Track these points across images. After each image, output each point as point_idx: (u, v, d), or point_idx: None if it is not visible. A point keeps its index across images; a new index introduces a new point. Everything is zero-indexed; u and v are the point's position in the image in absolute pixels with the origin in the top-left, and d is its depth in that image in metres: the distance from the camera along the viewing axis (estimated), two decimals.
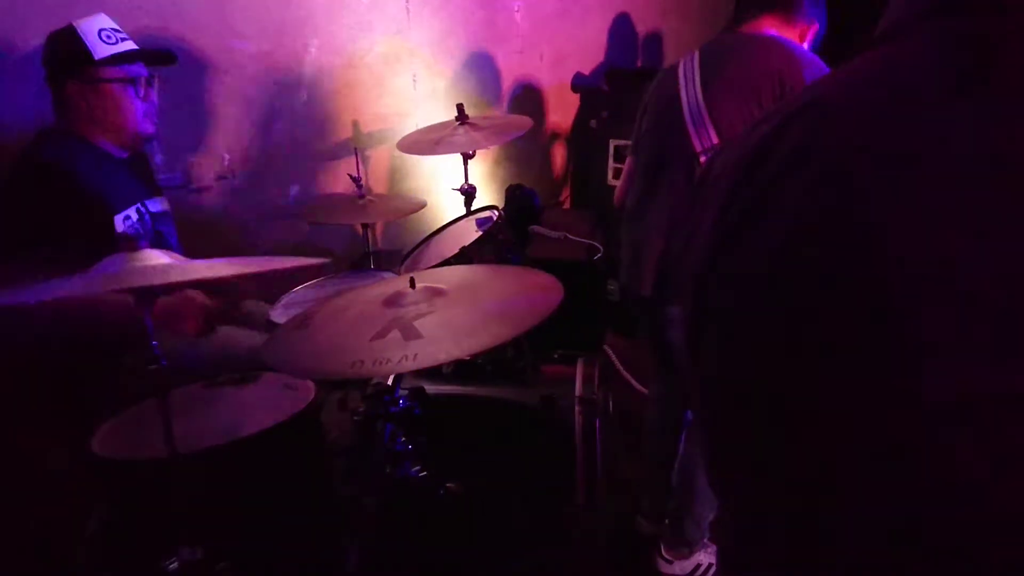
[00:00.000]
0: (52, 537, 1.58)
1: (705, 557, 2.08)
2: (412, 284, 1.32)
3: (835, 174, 0.41)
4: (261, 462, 1.39)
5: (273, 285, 2.02)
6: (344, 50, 2.71)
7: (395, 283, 1.42)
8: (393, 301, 1.31)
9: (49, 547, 1.58)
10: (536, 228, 3.08)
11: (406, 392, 1.66)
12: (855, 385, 0.38)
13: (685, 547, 2.04)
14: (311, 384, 1.52)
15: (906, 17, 0.45)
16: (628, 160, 1.99)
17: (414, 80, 3.01)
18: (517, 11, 3.43)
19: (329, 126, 2.76)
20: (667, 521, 2.07)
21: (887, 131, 0.40)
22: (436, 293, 1.33)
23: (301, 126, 2.66)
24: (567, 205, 4.05)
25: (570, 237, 2.97)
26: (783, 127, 0.46)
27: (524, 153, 3.69)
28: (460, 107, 2.48)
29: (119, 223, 1.65)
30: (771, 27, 1.69)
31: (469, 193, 2.60)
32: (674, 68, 1.77)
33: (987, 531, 0.34)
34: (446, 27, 3.10)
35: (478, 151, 2.61)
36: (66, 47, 1.62)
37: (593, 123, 3.66)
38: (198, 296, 1.58)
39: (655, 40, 4.28)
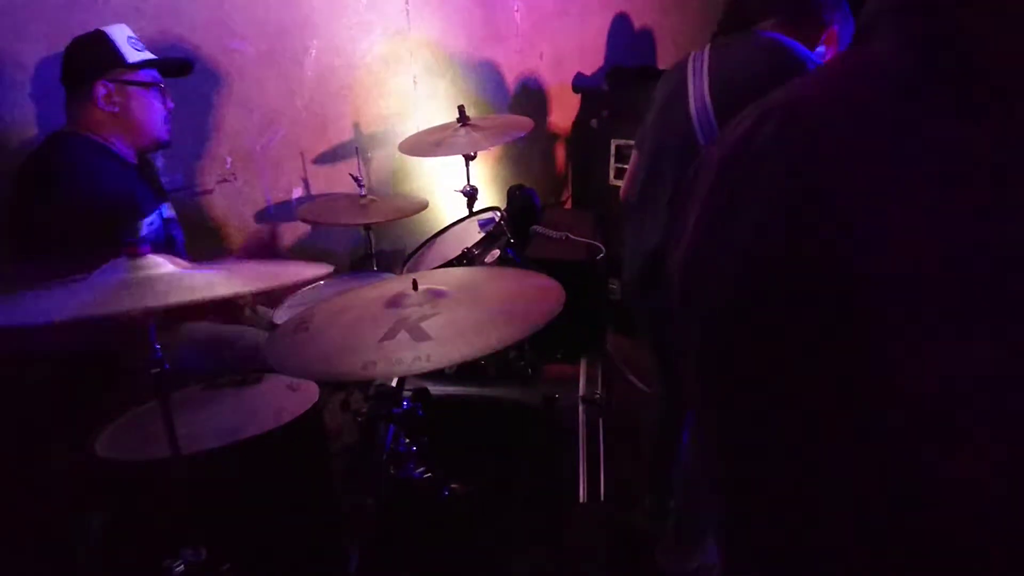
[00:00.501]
0: (56, 539, 1.58)
1: (707, 557, 2.07)
2: (415, 286, 1.31)
3: (799, 171, 0.42)
4: (264, 463, 1.39)
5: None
6: (344, 51, 2.71)
7: (395, 284, 1.42)
8: (395, 302, 1.31)
9: (53, 549, 1.58)
10: (537, 228, 3.07)
11: (409, 393, 1.66)
12: (822, 371, 0.39)
13: (687, 547, 2.03)
14: (314, 385, 1.52)
15: (876, 15, 0.46)
16: (634, 155, 1.96)
17: (414, 81, 3.01)
18: (517, 11, 3.43)
19: (330, 127, 2.76)
20: (669, 521, 2.07)
21: (848, 129, 0.41)
22: (438, 295, 1.33)
23: (302, 127, 2.66)
24: (568, 205, 4.05)
25: (572, 237, 2.97)
26: (756, 125, 0.47)
27: (525, 153, 3.69)
28: (461, 108, 2.48)
29: (144, 227, 1.66)
30: (778, 29, 1.65)
31: (471, 194, 2.60)
32: (683, 65, 1.74)
33: (957, 522, 0.34)
34: (446, 27, 3.10)
35: (479, 152, 2.61)
36: (98, 49, 1.67)
37: (594, 123, 3.66)
38: None
39: (655, 39, 4.28)
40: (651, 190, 1.78)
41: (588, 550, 1.79)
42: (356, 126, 2.84)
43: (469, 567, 1.67)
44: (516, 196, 3.38)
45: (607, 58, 4.01)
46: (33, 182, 1.60)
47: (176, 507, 1.20)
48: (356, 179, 2.37)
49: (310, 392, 1.52)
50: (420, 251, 2.22)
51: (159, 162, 2.23)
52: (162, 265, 1.05)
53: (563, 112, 3.85)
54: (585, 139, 3.78)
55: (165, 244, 1.76)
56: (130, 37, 1.72)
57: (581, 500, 1.73)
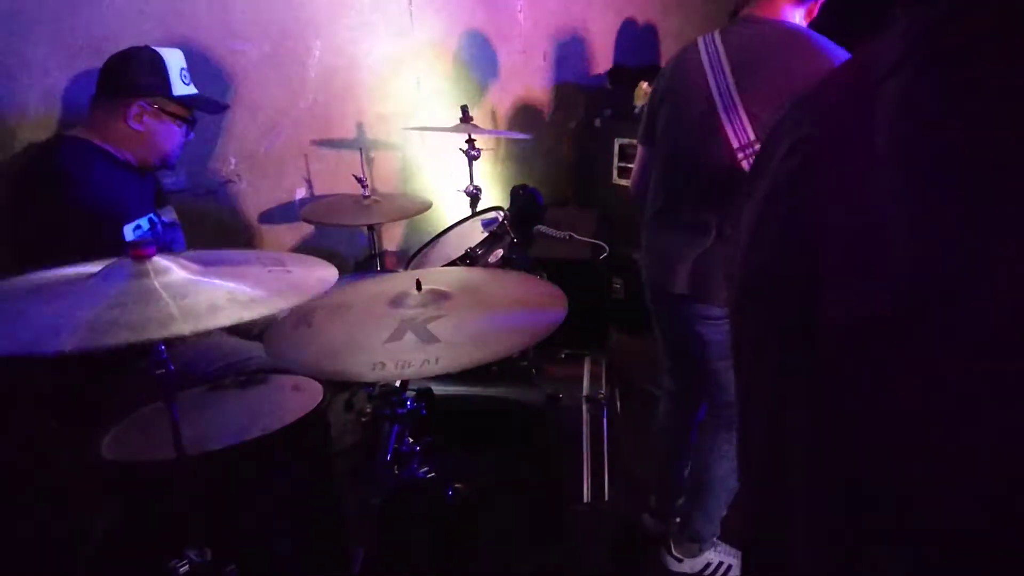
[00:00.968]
0: (62, 539, 1.59)
1: (715, 556, 2.07)
2: (419, 286, 1.32)
3: (794, 153, 0.50)
4: (268, 464, 1.39)
5: None
6: (347, 52, 2.71)
7: (397, 282, 1.42)
8: (398, 302, 1.31)
9: (59, 549, 1.59)
10: (541, 228, 3.08)
11: (413, 393, 1.67)
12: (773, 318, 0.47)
13: (695, 544, 2.03)
14: (318, 386, 1.53)
15: (894, 8, 0.48)
16: (641, 150, 1.91)
17: (418, 81, 3.02)
18: (519, 11, 3.43)
19: (334, 128, 2.77)
20: (677, 519, 2.06)
21: (830, 117, 0.49)
22: (441, 296, 1.33)
23: (305, 128, 2.66)
24: (572, 204, 4.05)
25: (575, 237, 2.97)
26: (786, 159, 0.53)
27: (528, 153, 3.69)
28: (464, 108, 2.48)
29: (129, 233, 1.66)
30: (785, 5, 1.65)
31: (474, 194, 2.60)
32: (695, 56, 1.68)
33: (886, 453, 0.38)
34: (449, 28, 3.10)
35: (483, 151, 2.62)
36: (149, 71, 1.71)
37: (597, 122, 3.66)
38: None
39: (657, 38, 4.28)
40: (681, 193, 1.74)
41: (592, 550, 1.79)
42: (359, 127, 2.84)
43: (473, 567, 1.68)
44: (519, 196, 3.38)
45: (610, 57, 4.01)
46: (20, 187, 1.62)
47: (181, 508, 1.20)
48: (359, 180, 2.37)
49: (314, 393, 1.52)
50: (423, 251, 2.22)
51: None
52: (169, 272, 1.04)
53: (566, 112, 3.84)
54: (588, 138, 3.78)
55: (161, 249, 1.76)
56: (183, 69, 1.77)
57: (585, 500, 1.74)
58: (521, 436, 1.79)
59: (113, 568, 1.45)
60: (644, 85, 2.30)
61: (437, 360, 1.11)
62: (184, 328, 0.93)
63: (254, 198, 2.55)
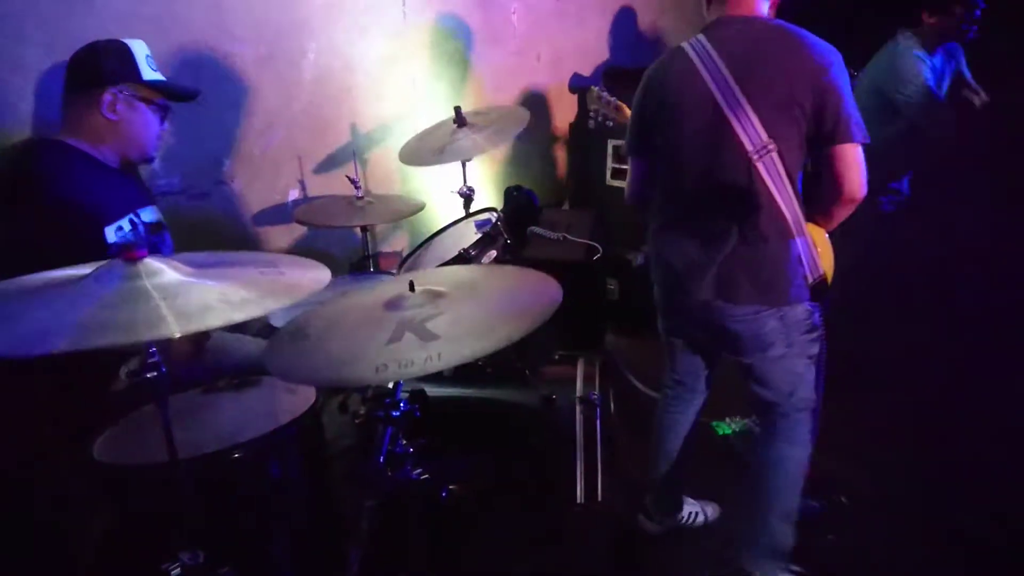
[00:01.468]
0: (55, 543, 1.58)
1: (687, 507, 2.14)
2: (412, 287, 1.32)
3: None
4: (262, 466, 1.39)
5: None
6: (342, 53, 2.71)
7: (391, 287, 1.42)
8: (394, 305, 1.31)
9: (52, 553, 1.58)
10: (535, 229, 3.08)
11: (407, 395, 1.67)
12: None
13: (667, 512, 2.10)
14: (311, 388, 1.52)
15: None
16: (634, 162, 1.89)
17: (412, 83, 3.02)
18: (514, 12, 3.44)
19: (328, 129, 2.77)
20: (650, 490, 2.12)
21: None
22: (436, 295, 1.34)
23: (300, 129, 2.66)
24: (566, 205, 4.05)
25: (569, 238, 2.97)
26: None
27: (522, 154, 3.69)
28: (457, 110, 2.48)
29: (111, 234, 1.65)
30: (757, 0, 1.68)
31: (468, 195, 2.60)
32: (684, 63, 1.65)
33: None
34: (443, 29, 3.10)
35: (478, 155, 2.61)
36: (116, 59, 1.69)
37: (591, 123, 3.66)
38: None
39: (652, 39, 4.29)
40: (699, 201, 1.71)
41: (587, 550, 1.80)
42: (354, 128, 2.84)
43: (468, 568, 1.68)
44: (514, 197, 3.39)
45: (604, 58, 4.02)
46: (8, 192, 1.60)
47: (175, 510, 1.20)
48: (353, 181, 2.37)
49: (307, 394, 1.52)
50: (417, 252, 2.22)
51: (155, 165, 2.23)
52: (160, 273, 1.04)
53: (561, 113, 3.85)
54: (582, 140, 3.79)
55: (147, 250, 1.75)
56: (148, 56, 1.75)
57: (579, 500, 1.74)
58: (515, 437, 1.79)
59: (106, 572, 1.44)
60: (595, 89, 2.35)
61: (439, 356, 1.11)
62: (174, 329, 0.93)
63: (248, 200, 2.55)
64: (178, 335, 0.93)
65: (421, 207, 2.47)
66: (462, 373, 1.87)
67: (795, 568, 1.86)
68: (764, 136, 1.55)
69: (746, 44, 1.61)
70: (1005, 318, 2.74)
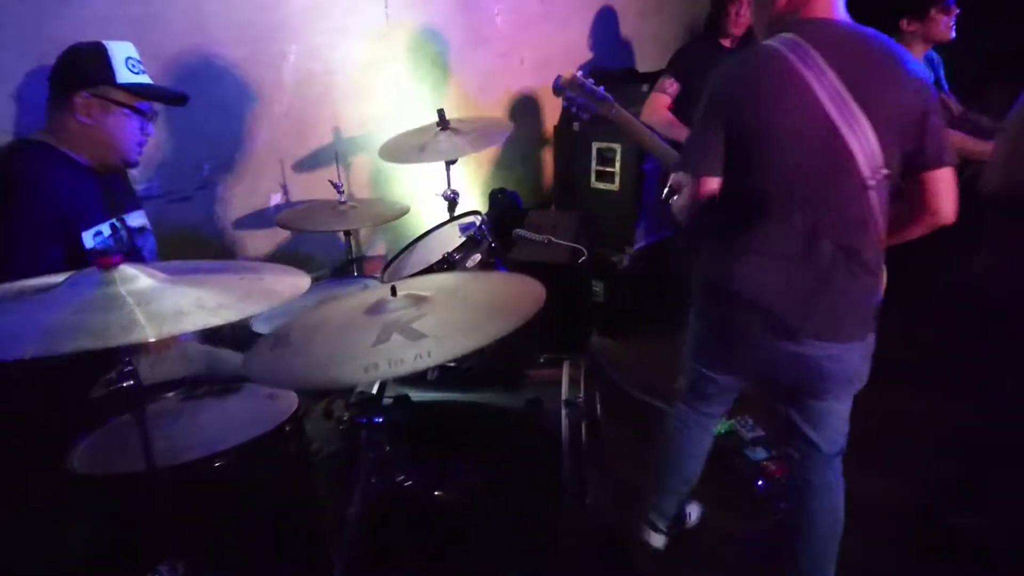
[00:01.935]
0: (32, 555, 1.55)
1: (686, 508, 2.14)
2: (393, 292, 1.31)
3: None
4: (244, 474, 1.37)
5: None
6: (323, 56, 2.69)
7: (372, 293, 1.41)
8: (377, 309, 1.30)
9: (29, 565, 1.55)
10: (520, 232, 3.07)
11: (391, 400, 1.65)
12: None
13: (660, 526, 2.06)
14: (293, 394, 1.51)
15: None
16: (703, 181, 1.53)
17: (395, 86, 3.00)
18: (498, 14, 3.43)
19: (310, 132, 2.75)
20: (673, 506, 2.07)
21: None
22: (420, 299, 1.33)
23: (281, 133, 2.64)
24: (551, 208, 4.05)
25: (554, 240, 2.97)
26: None
27: (507, 156, 3.68)
28: (441, 113, 2.47)
29: (88, 239, 1.62)
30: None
31: (452, 198, 2.59)
32: (784, 66, 1.40)
33: None
34: (427, 32, 3.09)
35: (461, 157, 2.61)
36: (91, 61, 1.65)
37: (576, 125, 3.67)
38: None
39: (635, 43, 4.30)
40: (784, 212, 1.50)
41: (575, 552, 1.79)
42: (336, 131, 2.82)
43: (456, 573, 1.67)
44: (498, 199, 3.38)
45: (589, 61, 4.02)
46: None
47: (154, 520, 1.18)
48: (336, 185, 2.35)
49: (289, 401, 1.51)
50: (400, 256, 2.21)
51: (135, 169, 2.20)
52: (136, 280, 1.03)
53: (546, 115, 3.85)
54: (567, 142, 3.79)
55: (128, 255, 1.73)
56: (130, 58, 1.71)
57: (566, 503, 1.73)
58: (501, 441, 1.78)
59: None
60: (575, 74, 2.08)
61: (429, 353, 1.11)
62: (148, 333, 0.92)
63: (229, 204, 2.52)
64: (152, 339, 0.92)
65: (405, 211, 2.45)
66: (447, 377, 1.86)
67: None
68: (880, 159, 1.41)
69: (852, 52, 1.42)
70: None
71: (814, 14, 1.46)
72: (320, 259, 2.81)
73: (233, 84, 2.44)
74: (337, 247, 2.77)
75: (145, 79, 1.74)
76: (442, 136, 2.45)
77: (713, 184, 1.52)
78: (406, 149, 2.45)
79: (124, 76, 1.68)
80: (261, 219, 2.61)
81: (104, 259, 1.03)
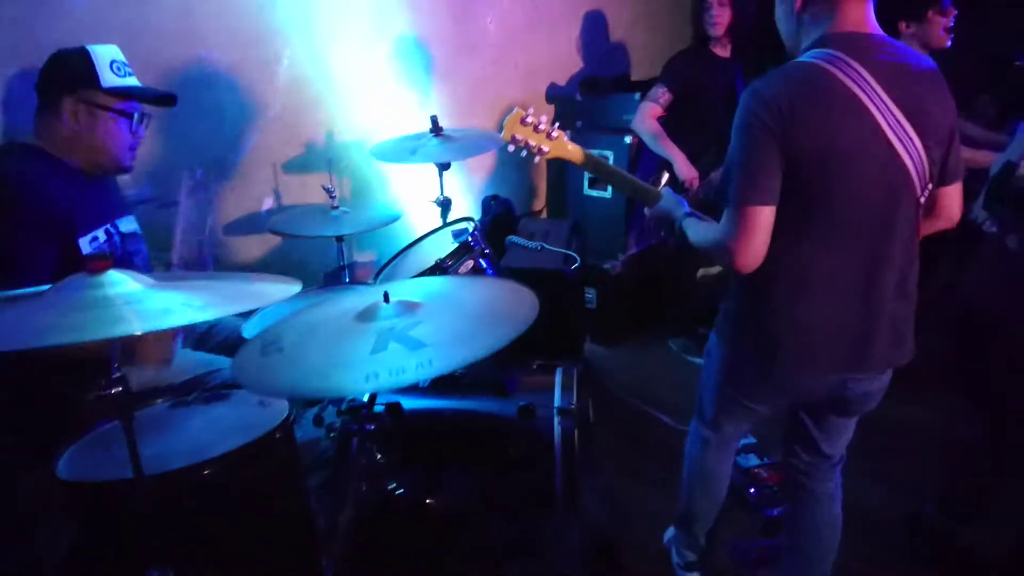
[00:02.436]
0: (18, 563, 1.53)
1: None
2: (386, 298, 1.30)
3: None
4: (234, 481, 1.36)
5: None
6: (316, 61, 2.69)
7: (360, 298, 1.40)
8: (368, 316, 1.29)
9: (15, 573, 1.53)
10: (513, 238, 3.07)
11: (382, 407, 1.64)
12: None
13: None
14: (284, 401, 1.50)
15: None
16: (760, 211, 1.36)
17: (389, 91, 3.00)
18: (490, 22, 3.44)
19: (302, 137, 2.74)
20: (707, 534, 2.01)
21: None
22: (411, 306, 1.32)
23: (274, 138, 2.63)
24: (544, 215, 4.06)
25: (547, 247, 2.97)
26: None
27: (500, 164, 3.69)
28: (434, 119, 2.47)
29: (85, 245, 1.61)
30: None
31: (445, 204, 2.59)
32: (833, 85, 1.32)
33: None
34: (419, 38, 3.10)
35: (453, 162, 2.61)
36: (74, 66, 1.64)
37: (568, 133, 3.68)
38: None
39: (627, 50, 4.32)
40: (862, 256, 1.41)
41: (567, 560, 1.78)
42: (329, 136, 2.82)
43: None
44: (491, 206, 3.38)
45: (580, 68, 4.04)
46: None
47: (144, 528, 1.17)
48: (328, 190, 2.34)
49: (279, 408, 1.49)
50: (392, 263, 2.20)
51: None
52: (124, 283, 1.02)
53: None
54: None
55: (120, 260, 1.72)
56: (115, 61, 1.68)
57: (558, 510, 1.72)
58: (493, 448, 1.77)
59: None
60: (520, 113, 1.71)
61: (431, 362, 1.10)
62: (135, 327, 0.91)
63: (220, 209, 2.51)
64: (139, 333, 0.91)
65: (397, 217, 2.44)
66: (438, 385, 1.85)
67: None
68: (927, 176, 1.38)
69: (898, 69, 1.36)
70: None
71: (851, 28, 1.38)
72: (311, 265, 2.80)
73: (226, 88, 2.43)
74: (329, 253, 2.75)
75: (132, 81, 1.72)
76: (435, 142, 2.44)
77: (765, 215, 1.36)
78: (399, 151, 2.45)
79: (109, 80, 1.66)
80: (253, 224, 2.60)
81: (94, 262, 1.02)
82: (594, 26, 4.04)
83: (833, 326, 1.44)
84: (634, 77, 4.31)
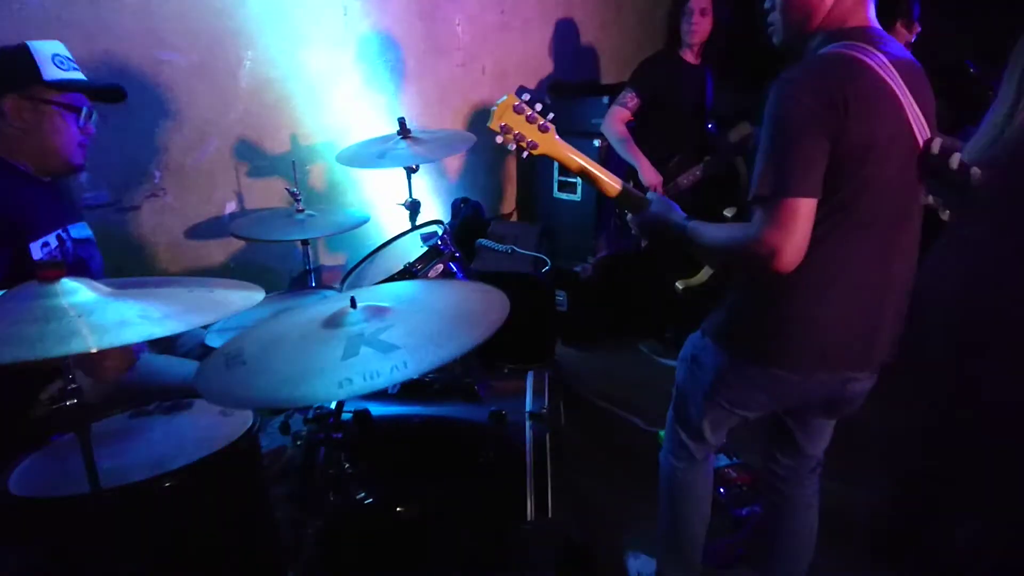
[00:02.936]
0: None
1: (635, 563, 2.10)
2: (353, 304, 1.27)
3: None
4: (196, 494, 1.32)
5: None
6: (281, 63, 2.64)
7: (326, 305, 1.37)
8: (336, 322, 1.27)
9: None
10: (483, 242, 3.06)
11: (350, 415, 1.61)
12: None
13: None
14: (248, 411, 1.46)
15: None
16: (806, 204, 1.29)
17: (355, 93, 2.96)
18: (458, 24, 3.42)
19: (266, 140, 2.69)
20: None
21: None
22: (380, 311, 1.30)
23: (237, 140, 2.58)
24: (514, 218, 4.05)
25: (517, 250, 2.96)
26: None
27: (469, 166, 3.67)
28: (401, 121, 2.44)
29: (36, 250, 1.56)
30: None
31: (413, 207, 2.56)
32: (871, 78, 1.30)
33: None
34: (387, 40, 3.07)
35: (422, 164, 2.58)
36: (14, 62, 1.58)
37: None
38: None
39: (596, 54, 4.34)
40: (883, 250, 1.41)
41: (538, 568, 1.77)
42: (294, 139, 2.77)
43: None
44: (461, 209, 3.36)
45: (549, 71, 4.04)
46: None
47: (101, 545, 1.12)
48: (293, 193, 2.30)
49: (244, 417, 1.46)
50: (360, 267, 2.17)
51: (82, 177, 2.12)
52: (78, 292, 0.98)
53: None
54: None
55: (72, 267, 1.66)
56: (57, 55, 1.62)
57: (529, 518, 1.71)
58: (463, 455, 1.75)
59: None
60: (515, 99, 1.50)
61: (406, 364, 1.09)
62: (89, 343, 0.87)
63: (181, 213, 2.45)
64: (94, 350, 0.87)
65: (365, 220, 2.41)
66: (408, 391, 1.83)
67: None
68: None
69: (904, 61, 1.36)
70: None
71: (857, 23, 1.38)
72: (276, 269, 2.75)
73: (186, 90, 2.37)
74: (294, 257, 2.71)
75: (76, 75, 1.66)
76: (403, 144, 2.42)
77: (810, 208, 1.29)
78: (365, 156, 2.41)
79: (51, 73, 1.60)
80: (215, 228, 2.54)
81: (45, 272, 0.98)
82: (564, 30, 4.04)
83: (849, 324, 1.41)
84: (603, 81, 4.33)
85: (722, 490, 2.36)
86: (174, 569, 1.32)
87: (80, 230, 1.73)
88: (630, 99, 3.06)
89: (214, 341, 1.77)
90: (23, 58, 1.58)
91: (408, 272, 1.88)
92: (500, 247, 3.00)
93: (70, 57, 1.66)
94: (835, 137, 1.29)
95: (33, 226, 1.58)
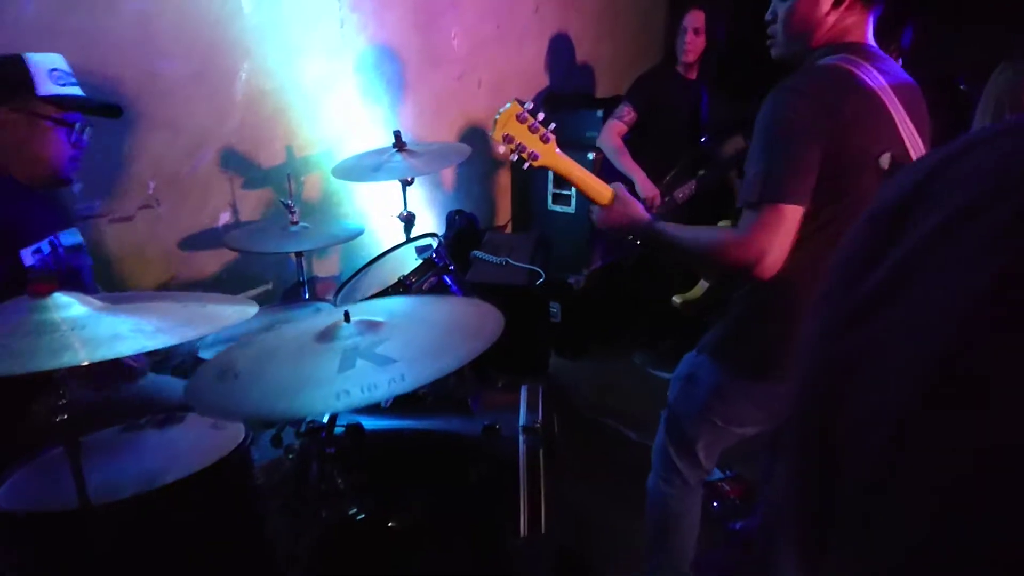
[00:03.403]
0: None
1: None
2: (347, 318, 1.27)
3: None
4: (188, 509, 1.31)
5: None
6: (276, 74, 2.65)
7: (319, 319, 1.37)
8: (329, 336, 1.26)
9: None
10: (478, 253, 3.06)
11: (342, 428, 1.61)
12: None
13: None
14: (239, 424, 1.45)
15: None
16: (791, 211, 1.32)
17: (351, 105, 2.97)
18: (454, 37, 3.44)
19: (261, 151, 2.69)
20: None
21: None
22: (373, 324, 1.29)
23: (232, 151, 2.57)
24: (508, 229, 4.06)
25: (511, 262, 2.96)
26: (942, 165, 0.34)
27: (464, 178, 3.68)
28: (397, 134, 2.45)
29: (27, 257, 1.55)
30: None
31: (408, 219, 2.56)
32: (862, 92, 1.32)
33: None
34: (383, 52, 3.07)
35: (417, 177, 2.58)
36: (9, 73, 1.57)
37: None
38: None
39: (591, 66, 4.36)
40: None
41: None
42: (289, 150, 2.77)
43: None
44: (456, 221, 3.37)
45: (545, 83, 4.06)
46: None
47: (91, 561, 1.11)
48: (287, 204, 2.30)
49: (235, 431, 1.45)
50: (354, 279, 2.16)
51: (75, 187, 2.11)
52: (71, 307, 0.97)
53: None
54: None
55: (65, 275, 1.65)
56: (54, 69, 1.62)
57: (522, 533, 1.70)
58: (456, 469, 1.74)
59: None
60: (519, 106, 1.49)
61: (403, 377, 1.09)
62: (81, 356, 0.87)
63: (174, 224, 2.44)
64: (86, 363, 0.87)
65: (359, 232, 2.41)
66: (401, 404, 1.82)
67: None
68: None
69: (901, 81, 1.38)
70: None
71: (865, 39, 1.40)
72: (270, 281, 2.74)
73: (182, 100, 2.37)
74: (288, 268, 2.70)
75: (73, 90, 1.66)
76: (398, 157, 2.42)
77: (797, 215, 1.31)
78: (360, 169, 2.41)
79: (46, 88, 1.60)
80: (209, 239, 2.53)
81: (36, 286, 0.97)
82: (559, 43, 4.07)
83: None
84: (598, 94, 4.35)
85: (715, 503, 2.35)
86: None
87: (71, 236, 1.73)
88: (626, 113, 3.09)
89: (208, 355, 1.76)
90: (17, 70, 1.57)
91: (402, 285, 1.88)
92: (494, 259, 3.00)
93: (69, 71, 1.66)
94: (829, 147, 1.30)
95: (23, 233, 1.57)
